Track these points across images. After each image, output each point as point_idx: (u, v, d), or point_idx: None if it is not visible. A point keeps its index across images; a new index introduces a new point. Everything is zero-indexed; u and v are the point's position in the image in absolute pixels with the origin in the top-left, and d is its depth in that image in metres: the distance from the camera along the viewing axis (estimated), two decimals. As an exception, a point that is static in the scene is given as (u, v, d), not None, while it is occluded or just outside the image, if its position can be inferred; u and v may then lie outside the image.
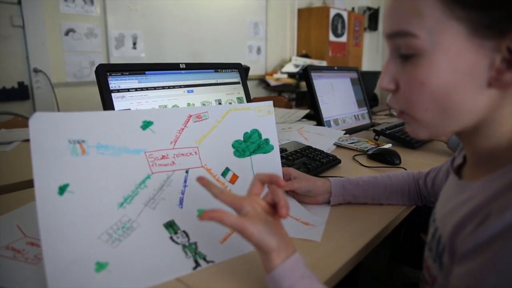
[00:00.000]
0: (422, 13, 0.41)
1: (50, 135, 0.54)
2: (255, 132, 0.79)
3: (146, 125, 0.65)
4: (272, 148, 0.81)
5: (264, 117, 0.80)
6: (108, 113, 0.62)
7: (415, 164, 1.14)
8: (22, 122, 1.83)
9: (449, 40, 0.40)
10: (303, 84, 3.51)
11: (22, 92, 2.36)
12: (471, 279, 0.38)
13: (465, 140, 0.50)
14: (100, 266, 0.53)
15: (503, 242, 0.36)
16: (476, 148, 0.48)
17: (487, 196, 0.41)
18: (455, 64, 0.40)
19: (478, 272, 0.37)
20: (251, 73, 3.48)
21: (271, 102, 0.81)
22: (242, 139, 0.77)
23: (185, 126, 0.69)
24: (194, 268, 0.56)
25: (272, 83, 3.82)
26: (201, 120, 0.72)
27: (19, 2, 2.24)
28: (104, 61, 2.69)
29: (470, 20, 0.39)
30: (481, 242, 0.38)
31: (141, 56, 2.93)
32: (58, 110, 2.49)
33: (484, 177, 0.44)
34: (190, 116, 0.70)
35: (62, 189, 0.54)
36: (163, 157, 0.66)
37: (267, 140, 0.80)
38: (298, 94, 3.99)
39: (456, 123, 0.44)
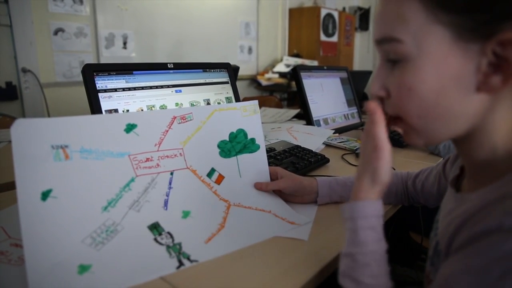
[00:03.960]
0: (406, 19, 0.41)
1: (32, 141, 0.54)
2: (241, 132, 0.79)
3: (130, 128, 0.65)
4: (258, 147, 0.81)
5: (250, 117, 0.80)
6: (91, 117, 0.62)
7: (403, 162, 1.15)
8: (10, 122, 1.79)
9: (434, 44, 0.40)
10: (294, 83, 3.52)
11: (10, 92, 2.33)
12: (447, 276, 0.38)
13: (461, 150, 0.50)
14: (83, 269, 0.53)
15: (478, 244, 0.36)
16: (472, 159, 0.48)
17: (479, 206, 0.41)
18: (441, 68, 0.41)
19: (452, 270, 0.38)
20: (242, 73, 3.49)
21: (256, 102, 0.82)
22: (227, 139, 0.77)
23: (169, 127, 0.69)
24: (178, 267, 0.56)
25: (264, 83, 3.82)
26: (186, 121, 0.72)
27: (6, 1, 2.21)
28: (94, 61, 2.67)
29: (454, 24, 0.39)
30: (461, 243, 0.39)
31: (132, 56, 2.91)
32: (47, 110, 2.47)
33: (481, 189, 0.44)
34: (175, 117, 0.70)
35: (45, 195, 0.54)
36: (147, 159, 0.66)
37: (253, 140, 0.80)
38: (289, 94, 4.00)
39: (448, 129, 0.44)
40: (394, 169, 1.05)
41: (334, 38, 4.47)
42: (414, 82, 0.42)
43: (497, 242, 0.35)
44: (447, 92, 0.41)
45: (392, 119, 0.49)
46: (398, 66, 0.44)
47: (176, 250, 0.60)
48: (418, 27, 0.41)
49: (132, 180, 0.63)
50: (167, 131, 0.69)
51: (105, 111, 0.87)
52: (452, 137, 0.46)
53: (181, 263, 0.57)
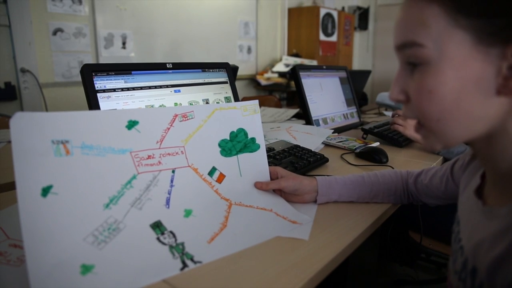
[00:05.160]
0: (427, 23, 0.42)
1: (32, 135, 0.53)
2: (241, 131, 0.79)
3: (132, 124, 0.64)
4: (258, 147, 0.81)
5: (250, 116, 0.80)
6: (92, 112, 0.61)
7: (402, 162, 1.15)
8: (9, 123, 1.80)
9: (454, 48, 0.41)
10: (293, 83, 3.52)
11: (9, 93, 2.32)
12: None
13: (483, 156, 0.50)
14: (86, 269, 0.52)
15: None
16: (496, 165, 0.47)
17: None
18: (462, 72, 0.41)
19: None
20: (241, 72, 3.49)
21: (256, 101, 0.82)
22: (228, 138, 0.77)
23: (171, 125, 0.69)
24: (182, 269, 0.56)
25: (263, 82, 3.83)
26: (187, 119, 0.72)
27: (5, 1, 2.21)
28: (93, 61, 2.67)
29: (474, 29, 0.39)
30: None
31: (131, 56, 2.91)
32: (46, 110, 2.46)
33: (511, 202, 0.44)
34: (176, 115, 0.70)
35: (45, 191, 0.53)
36: (149, 157, 0.65)
37: (253, 139, 0.80)
38: (289, 94, 4.00)
39: (467, 131, 0.44)
40: (393, 168, 1.05)
41: (333, 38, 4.47)
42: (434, 85, 0.43)
43: None
44: (467, 95, 0.42)
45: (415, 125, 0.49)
46: (418, 70, 0.44)
47: (179, 250, 0.59)
48: (439, 31, 0.41)
49: (134, 177, 0.63)
50: (168, 128, 0.69)
51: (104, 111, 0.86)
52: (470, 139, 0.46)
53: (184, 265, 0.56)
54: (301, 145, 1.14)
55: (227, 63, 1.16)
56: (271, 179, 0.82)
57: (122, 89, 0.90)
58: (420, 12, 0.42)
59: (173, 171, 0.68)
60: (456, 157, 0.71)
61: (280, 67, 3.95)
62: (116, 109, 0.88)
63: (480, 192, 0.54)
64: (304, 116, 1.52)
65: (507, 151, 0.45)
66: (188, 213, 0.67)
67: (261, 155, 0.82)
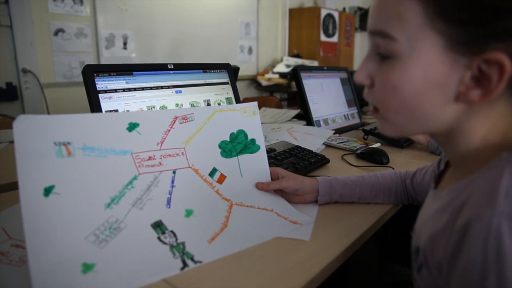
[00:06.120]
0: (404, 18, 0.42)
1: (34, 137, 0.55)
2: (241, 132, 0.79)
3: (132, 126, 0.65)
4: (258, 148, 0.81)
5: (250, 118, 0.81)
6: (94, 115, 0.62)
7: (403, 163, 1.15)
8: (10, 123, 1.80)
9: (425, 49, 0.41)
10: (294, 84, 3.51)
11: (10, 93, 2.33)
12: None
13: (442, 146, 0.52)
14: (87, 267, 0.53)
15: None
16: (452, 154, 0.50)
17: (453, 211, 0.41)
18: (428, 73, 0.42)
19: None
20: (242, 73, 3.49)
21: (255, 103, 0.82)
22: (228, 139, 0.78)
23: (171, 127, 0.70)
24: (182, 268, 0.56)
25: (264, 83, 3.83)
26: (187, 121, 0.72)
27: (6, 1, 2.21)
28: (94, 62, 2.68)
29: (448, 34, 0.40)
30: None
31: (132, 56, 2.91)
32: (48, 111, 2.47)
33: (451, 185, 0.46)
34: (176, 117, 0.71)
35: (47, 191, 0.54)
36: (150, 158, 0.66)
37: (253, 140, 0.81)
38: (289, 94, 4.00)
39: (423, 127, 0.47)
40: (393, 169, 1.05)
41: (334, 39, 4.47)
42: (399, 82, 0.44)
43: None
44: (428, 96, 0.43)
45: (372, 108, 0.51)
46: (386, 62, 0.45)
47: (179, 250, 0.60)
48: (414, 29, 0.41)
49: (135, 178, 0.63)
50: (169, 130, 0.69)
51: (106, 111, 0.87)
52: (425, 133, 0.49)
53: (185, 264, 0.57)
54: (302, 146, 1.14)
55: (228, 64, 1.17)
56: (272, 179, 0.83)
57: (124, 90, 0.91)
58: (399, 4, 0.42)
59: (174, 172, 0.69)
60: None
61: (281, 68, 3.95)
62: (117, 109, 0.88)
63: (440, 177, 0.56)
64: (305, 116, 1.52)
65: (459, 146, 0.47)
66: (189, 213, 0.67)
67: (262, 156, 0.82)
